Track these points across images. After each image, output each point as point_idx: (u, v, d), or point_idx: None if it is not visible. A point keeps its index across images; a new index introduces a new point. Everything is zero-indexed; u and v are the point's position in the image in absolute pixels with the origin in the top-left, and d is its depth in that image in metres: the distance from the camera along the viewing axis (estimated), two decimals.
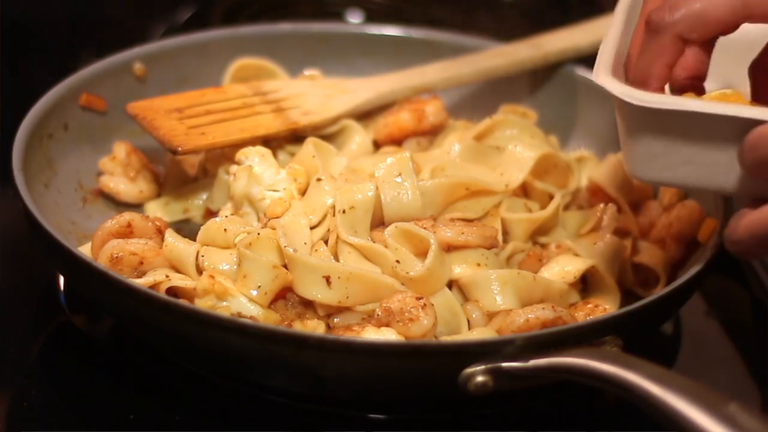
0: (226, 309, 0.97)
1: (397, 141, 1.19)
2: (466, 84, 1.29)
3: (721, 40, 0.92)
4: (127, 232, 1.03)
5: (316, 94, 1.22)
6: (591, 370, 0.85)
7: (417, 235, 1.00)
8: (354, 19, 1.61)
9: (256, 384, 0.97)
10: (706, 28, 0.89)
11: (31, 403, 0.98)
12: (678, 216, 1.10)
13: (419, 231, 1.00)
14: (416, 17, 1.54)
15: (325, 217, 1.04)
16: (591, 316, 1.00)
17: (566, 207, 1.14)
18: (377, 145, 1.20)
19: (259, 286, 0.97)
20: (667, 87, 0.93)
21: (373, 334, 0.95)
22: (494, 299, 1.00)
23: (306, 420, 0.97)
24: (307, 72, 1.29)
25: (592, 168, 1.19)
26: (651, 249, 1.10)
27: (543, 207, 1.10)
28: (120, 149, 1.17)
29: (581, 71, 1.28)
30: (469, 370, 0.88)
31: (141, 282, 0.96)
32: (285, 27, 1.34)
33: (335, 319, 0.99)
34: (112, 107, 1.20)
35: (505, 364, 0.88)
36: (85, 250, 1.03)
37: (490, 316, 1.00)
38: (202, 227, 1.04)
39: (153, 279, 0.98)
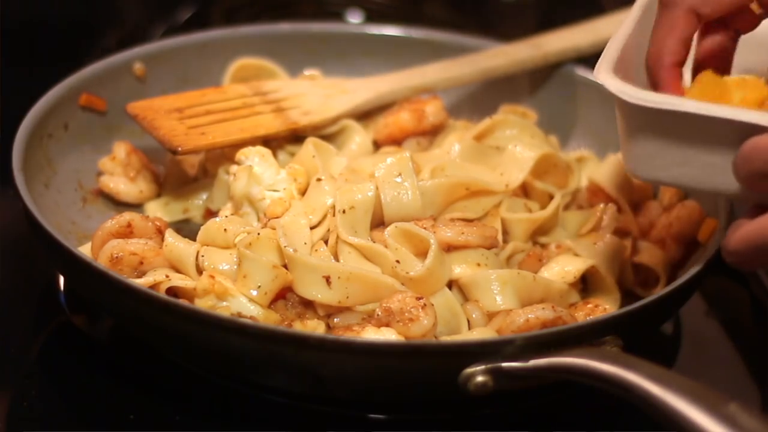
0: (226, 309, 0.97)
1: (397, 141, 1.19)
2: (466, 84, 1.29)
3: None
4: (127, 232, 1.03)
5: (316, 94, 1.22)
6: (591, 370, 0.85)
7: (417, 235, 1.00)
8: (354, 19, 1.61)
9: (256, 384, 0.97)
10: (719, 4, 0.89)
11: (31, 403, 0.98)
12: (678, 216, 1.10)
13: (419, 231, 1.00)
14: (416, 17, 1.54)
15: (325, 217, 1.04)
16: (591, 316, 1.00)
17: (566, 207, 1.14)
18: (377, 145, 1.20)
19: (259, 286, 0.97)
20: (688, 74, 0.93)
21: (373, 334, 0.95)
22: (494, 299, 1.00)
23: (306, 420, 0.97)
24: (307, 72, 1.29)
25: (592, 168, 1.19)
26: (651, 249, 1.10)
27: (543, 207, 1.10)
28: (120, 149, 1.17)
29: (581, 71, 1.28)
30: (469, 370, 0.88)
31: (141, 282, 0.96)
32: (285, 27, 1.34)
33: (335, 319, 0.99)
34: (112, 107, 1.20)
35: (505, 364, 0.88)
36: (85, 250, 1.03)
37: (490, 316, 1.00)
38: (202, 227, 1.04)
39: (153, 279, 0.98)
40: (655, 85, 0.93)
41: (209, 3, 1.65)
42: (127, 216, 1.04)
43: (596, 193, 1.14)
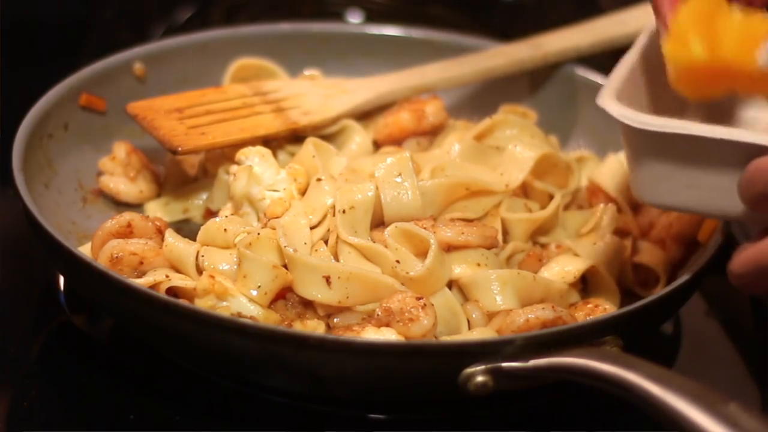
0: (226, 309, 0.97)
1: (397, 141, 1.19)
2: (466, 84, 1.29)
3: None
4: (127, 232, 1.03)
5: (316, 94, 1.22)
6: (591, 370, 0.85)
7: (417, 235, 1.00)
8: (354, 19, 1.61)
9: (256, 384, 0.97)
10: None
11: (31, 403, 0.98)
12: (678, 216, 1.10)
13: (419, 231, 1.00)
14: (416, 17, 1.54)
15: (325, 217, 1.04)
16: (591, 316, 1.00)
17: (566, 207, 1.14)
18: (377, 145, 1.20)
19: (259, 286, 0.97)
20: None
21: (373, 334, 0.95)
22: (494, 299, 1.00)
23: (306, 420, 0.97)
24: (307, 72, 1.29)
25: (592, 168, 1.19)
26: (651, 249, 1.10)
27: (543, 207, 1.10)
28: (120, 149, 1.17)
29: (581, 71, 1.28)
30: (469, 370, 0.88)
31: (141, 282, 0.96)
32: (285, 27, 1.34)
33: (335, 319, 0.99)
34: (112, 107, 1.20)
35: (505, 364, 0.88)
36: (85, 250, 1.03)
37: (490, 316, 1.00)
38: (202, 227, 1.04)
39: (153, 279, 0.98)
40: (655, 9, 0.90)
41: (209, 3, 1.65)
42: (127, 216, 1.04)
43: (596, 193, 1.14)
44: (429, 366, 0.89)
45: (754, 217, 0.85)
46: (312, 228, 1.04)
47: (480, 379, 0.88)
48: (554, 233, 1.10)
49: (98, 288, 0.96)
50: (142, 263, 1.01)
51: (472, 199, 1.07)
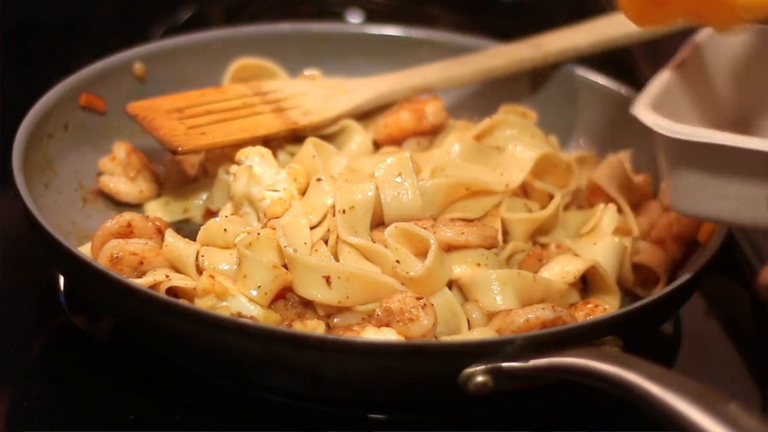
0: (226, 309, 0.97)
1: (397, 141, 1.19)
2: (466, 84, 1.29)
3: None
4: (127, 232, 1.03)
5: (316, 94, 1.22)
6: (591, 370, 0.85)
7: (417, 235, 1.00)
8: (354, 19, 1.61)
9: (256, 384, 0.97)
10: None
11: (31, 403, 0.98)
12: (678, 216, 1.10)
13: (419, 231, 1.00)
14: (416, 17, 1.54)
15: (325, 217, 1.04)
16: (591, 316, 1.00)
17: (566, 207, 1.14)
18: (377, 145, 1.20)
19: (259, 286, 0.97)
20: None
21: (373, 334, 0.95)
22: (494, 299, 1.00)
23: (306, 420, 0.97)
24: (307, 72, 1.29)
25: (592, 168, 1.19)
26: (651, 249, 1.10)
27: (543, 207, 1.10)
28: (120, 149, 1.17)
29: (581, 71, 1.28)
30: (469, 370, 0.88)
31: (141, 282, 0.96)
32: (285, 27, 1.34)
33: (335, 319, 0.99)
34: (112, 107, 1.20)
35: (505, 364, 0.88)
36: (85, 250, 1.03)
37: (490, 316, 1.00)
38: (202, 227, 1.04)
39: (153, 279, 0.98)
40: None
41: (209, 3, 1.65)
42: (127, 216, 1.04)
43: (596, 193, 1.14)
44: (429, 366, 0.90)
45: None
46: (312, 228, 1.04)
47: (480, 379, 0.88)
48: (554, 233, 1.10)
49: (98, 288, 0.96)
50: (142, 263, 1.01)
51: (472, 199, 1.07)
